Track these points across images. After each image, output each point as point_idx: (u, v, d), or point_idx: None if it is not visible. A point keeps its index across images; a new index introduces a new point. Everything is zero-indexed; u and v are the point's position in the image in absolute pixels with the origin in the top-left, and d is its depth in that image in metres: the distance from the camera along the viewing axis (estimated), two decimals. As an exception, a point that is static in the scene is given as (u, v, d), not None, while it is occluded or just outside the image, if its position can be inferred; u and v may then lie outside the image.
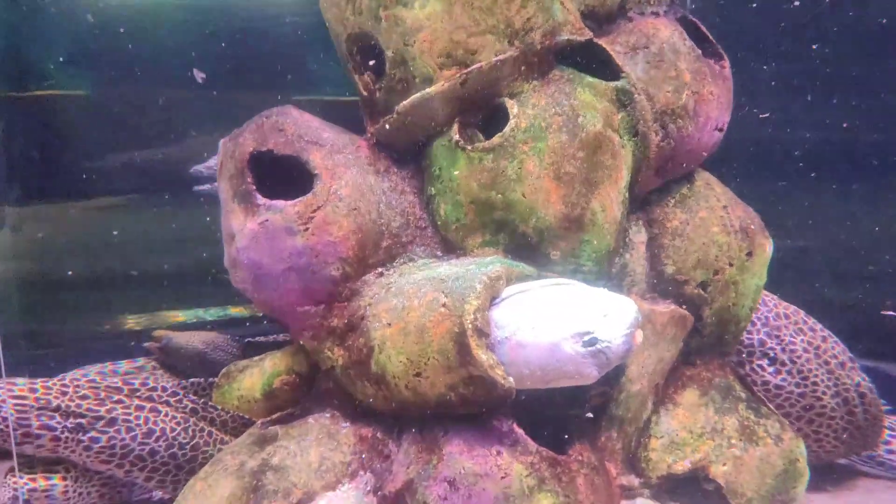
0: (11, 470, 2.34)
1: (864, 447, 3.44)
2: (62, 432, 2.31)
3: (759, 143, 4.03)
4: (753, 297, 2.76)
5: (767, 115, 3.90)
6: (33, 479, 2.34)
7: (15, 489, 2.30)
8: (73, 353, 3.35)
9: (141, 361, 3.18)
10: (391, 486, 2.28)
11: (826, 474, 3.47)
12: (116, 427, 2.36)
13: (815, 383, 3.34)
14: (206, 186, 3.36)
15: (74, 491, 2.38)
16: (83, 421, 2.32)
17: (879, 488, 3.53)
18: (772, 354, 3.34)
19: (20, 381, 2.34)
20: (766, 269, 2.77)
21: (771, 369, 3.34)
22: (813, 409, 3.33)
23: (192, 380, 3.04)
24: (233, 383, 2.76)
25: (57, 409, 2.32)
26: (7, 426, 2.25)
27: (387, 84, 2.40)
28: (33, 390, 2.33)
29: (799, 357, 3.35)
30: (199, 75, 2.77)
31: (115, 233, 3.61)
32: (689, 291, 2.60)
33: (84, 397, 2.38)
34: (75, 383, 2.43)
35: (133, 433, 2.38)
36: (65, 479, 2.38)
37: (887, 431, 3.47)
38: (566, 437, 2.35)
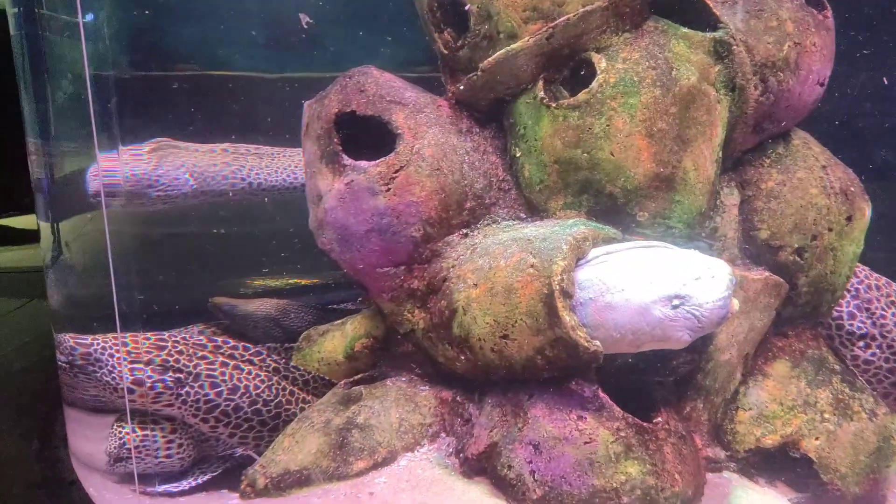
0: (118, 419, 2.44)
1: (953, 426, 3.24)
2: (165, 386, 2.39)
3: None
4: (851, 264, 2.61)
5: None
6: (141, 428, 2.44)
7: (121, 438, 2.40)
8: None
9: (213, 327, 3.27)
10: (473, 448, 2.26)
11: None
12: (200, 382, 2.43)
13: (905, 359, 3.15)
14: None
15: (174, 443, 2.47)
16: (181, 375, 2.39)
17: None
18: (862, 328, 3.17)
19: (128, 334, 2.43)
20: (864, 235, 2.61)
21: (861, 343, 3.18)
22: (903, 386, 3.14)
23: (267, 345, 3.10)
24: (313, 346, 2.81)
25: (162, 363, 2.40)
26: (114, 379, 2.34)
27: (470, 40, 2.35)
28: (136, 344, 2.42)
29: (890, 331, 3.16)
30: (305, 19, 2.76)
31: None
32: (784, 258, 2.47)
33: (180, 353, 2.45)
34: (173, 339, 2.51)
35: (219, 389, 2.45)
36: (164, 430, 2.47)
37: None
38: (651, 405, 2.28)
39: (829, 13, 2.47)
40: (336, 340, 2.73)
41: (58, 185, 2.75)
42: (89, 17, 2.40)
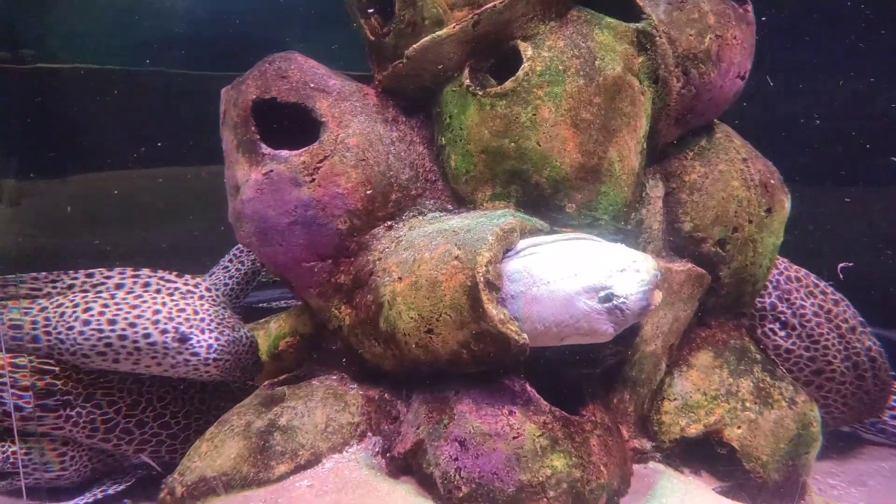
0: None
1: (871, 413, 3.39)
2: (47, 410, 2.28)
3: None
4: (771, 256, 2.68)
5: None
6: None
7: (3, 453, 2.26)
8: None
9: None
10: (400, 447, 2.20)
11: (831, 441, 3.42)
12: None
13: (825, 347, 3.27)
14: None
15: (67, 455, 2.35)
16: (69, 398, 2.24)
17: (884, 455, 3.49)
18: (782, 318, 3.27)
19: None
20: (784, 227, 2.68)
21: (782, 333, 3.28)
22: (823, 374, 3.27)
23: None
24: (234, 345, 2.67)
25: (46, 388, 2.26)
26: None
27: (395, 27, 2.28)
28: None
29: (809, 321, 3.28)
30: None
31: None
32: (707, 249, 2.52)
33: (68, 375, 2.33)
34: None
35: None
36: (55, 443, 2.36)
37: (893, 397, 3.42)
38: (578, 397, 2.28)
39: (750, 7, 2.53)
40: (259, 340, 2.61)
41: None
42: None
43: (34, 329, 2.29)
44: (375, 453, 2.28)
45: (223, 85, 2.38)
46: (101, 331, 2.24)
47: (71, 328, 2.25)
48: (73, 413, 2.32)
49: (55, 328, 2.29)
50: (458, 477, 2.04)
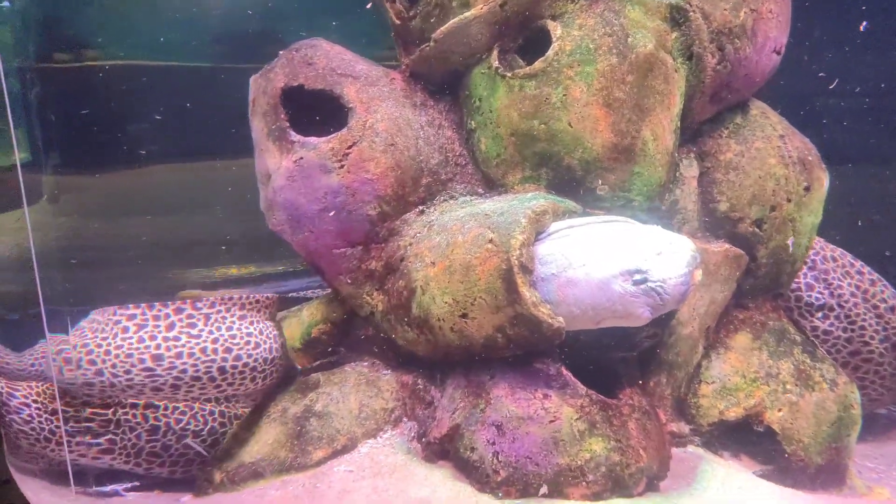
0: None
1: (910, 394, 3.31)
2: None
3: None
4: (810, 235, 2.61)
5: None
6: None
7: None
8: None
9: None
10: (436, 432, 2.20)
11: (868, 423, 3.34)
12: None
13: (862, 328, 3.19)
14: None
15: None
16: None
17: (921, 439, 3.39)
18: (820, 299, 3.20)
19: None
20: (822, 205, 2.61)
21: (819, 314, 3.21)
22: (860, 355, 3.19)
23: None
24: (268, 333, 2.69)
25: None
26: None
27: (422, 10, 2.26)
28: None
29: (847, 301, 3.21)
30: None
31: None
32: (744, 229, 2.46)
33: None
34: None
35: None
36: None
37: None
38: (615, 380, 2.25)
39: (785, -20, 2.46)
40: (292, 327, 2.62)
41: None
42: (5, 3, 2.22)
43: None
44: (411, 438, 2.29)
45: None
46: None
47: None
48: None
49: None
50: (495, 461, 2.03)
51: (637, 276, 1.96)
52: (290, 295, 3.43)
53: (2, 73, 2.06)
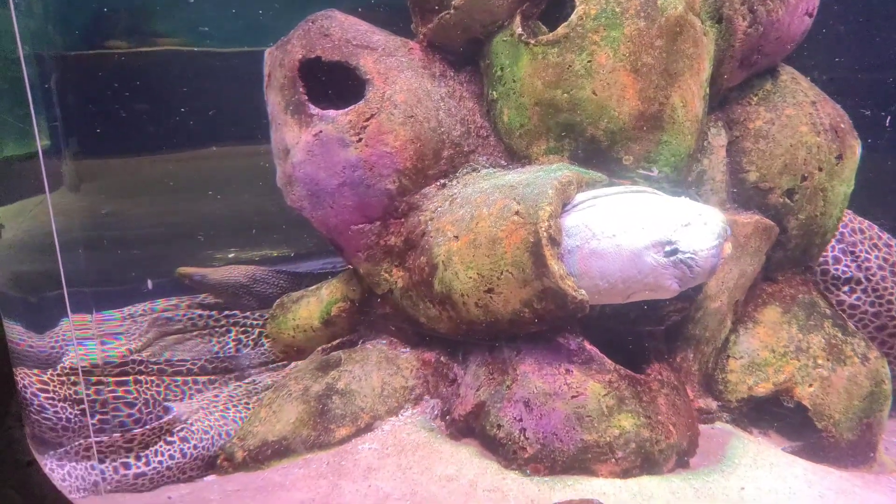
0: None
1: (936, 370, 3.23)
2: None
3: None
4: (842, 206, 2.53)
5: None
6: None
7: None
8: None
9: (175, 300, 3.11)
10: (460, 409, 2.16)
11: (893, 399, 3.27)
12: None
13: (890, 302, 3.12)
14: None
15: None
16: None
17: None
18: (847, 272, 3.13)
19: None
20: (854, 175, 2.53)
21: (846, 288, 3.13)
22: (886, 330, 3.11)
23: (225, 313, 2.95)
24: (287, 314, 2.66)
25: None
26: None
27: (441, -24, 2.18)
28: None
29: (874, 275, 3.13)
30: None
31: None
32: (774, 200, 2.38)
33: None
34: None
35: None
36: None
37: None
38: (642, 355, 2.20)
39: (818, -62, 2.36)
40: (311, 306, 2.59)
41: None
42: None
43: None
44: (434, 416, 2.25)
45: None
46: None
47: None
48: None
49: None
50: (523, 438, 1.99)
51: (668, 248, 1.90)
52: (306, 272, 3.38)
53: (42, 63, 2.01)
